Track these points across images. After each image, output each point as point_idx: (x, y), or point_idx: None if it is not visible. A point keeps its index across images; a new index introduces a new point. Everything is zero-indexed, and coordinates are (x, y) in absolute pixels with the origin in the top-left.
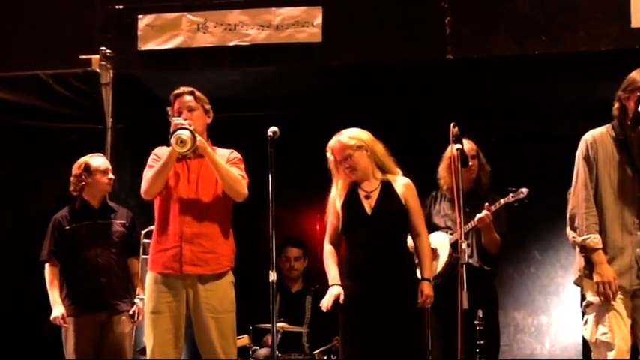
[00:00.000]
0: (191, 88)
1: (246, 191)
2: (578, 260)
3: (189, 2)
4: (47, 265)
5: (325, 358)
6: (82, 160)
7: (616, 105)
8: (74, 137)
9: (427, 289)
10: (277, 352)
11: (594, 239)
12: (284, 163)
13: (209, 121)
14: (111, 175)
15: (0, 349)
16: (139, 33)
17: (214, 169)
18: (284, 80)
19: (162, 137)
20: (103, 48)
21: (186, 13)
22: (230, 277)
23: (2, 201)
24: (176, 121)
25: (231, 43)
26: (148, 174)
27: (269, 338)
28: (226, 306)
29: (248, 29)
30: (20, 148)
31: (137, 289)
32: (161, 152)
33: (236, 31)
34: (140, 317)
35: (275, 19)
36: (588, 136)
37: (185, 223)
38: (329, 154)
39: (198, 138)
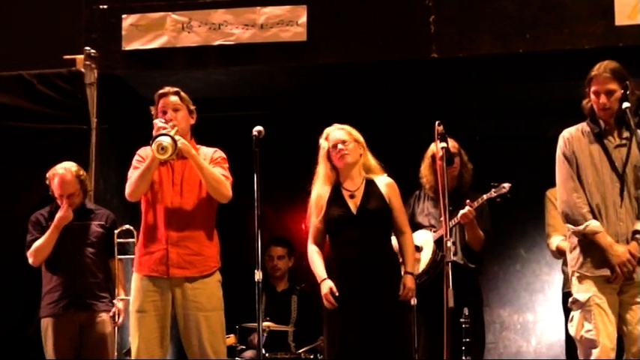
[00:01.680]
0: (176, 89)
1: (230, 193)
2: (571, 257)
3: (173, 2)
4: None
5: (311, 357)
6: (54, 169)
7: (586, 100)
8: (59, 138)
9: (409, 282)
10: (263, 352)
11: (594, 224)
12: (269, 163)
13: (193, 121)
14: (64, 204)
15: None
16: (124, 33)
17: (198, 171)
18: (269, 79)
19: (147, 137)
20: (88, 48)
21: (170, 13)
22: (217, 276)
23: None
24: (159, 124)
25: (216, 43)
26: (132, 176)
27: (255, 338)
28: (215, 304)
29: (232, 28)
30: (4, 148)
31: (117, 289)
32: (145, 153)
33: (220, 31)
34: (121, 319)
35: (259, 18)
36: (566, 133)
37: (171, 226)
38: (322, 140)
39: (180, 142)
